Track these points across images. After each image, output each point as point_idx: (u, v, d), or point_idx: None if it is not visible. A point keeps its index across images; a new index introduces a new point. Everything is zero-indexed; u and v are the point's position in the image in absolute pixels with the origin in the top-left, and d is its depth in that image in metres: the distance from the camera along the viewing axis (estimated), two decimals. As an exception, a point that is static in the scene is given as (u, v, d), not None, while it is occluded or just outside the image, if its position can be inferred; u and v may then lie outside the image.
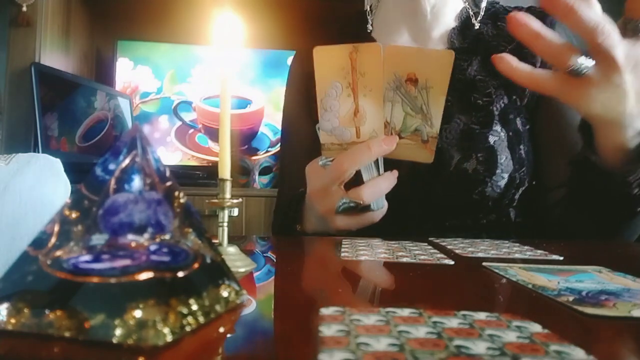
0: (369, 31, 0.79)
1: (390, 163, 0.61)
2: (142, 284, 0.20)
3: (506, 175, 0.69)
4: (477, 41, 0.74)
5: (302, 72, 0.83)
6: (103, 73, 2.10)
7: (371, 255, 0.42)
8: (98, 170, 0.23)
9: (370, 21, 0.79)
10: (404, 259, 0.40)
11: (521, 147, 0.72)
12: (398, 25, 0.77)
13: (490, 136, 0.69)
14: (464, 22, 0.75)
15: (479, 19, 0.75)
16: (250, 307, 0.26)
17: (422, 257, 0.41)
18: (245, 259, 0.37)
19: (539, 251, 0.46)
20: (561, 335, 0.19)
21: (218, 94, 0.38)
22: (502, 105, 0.71)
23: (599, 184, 0.57)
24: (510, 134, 0.70)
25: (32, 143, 1.64)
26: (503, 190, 0.68)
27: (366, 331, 0.19)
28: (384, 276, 0.36)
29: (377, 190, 0.57)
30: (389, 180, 0.58)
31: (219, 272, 0.25)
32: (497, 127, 0.70)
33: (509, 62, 0.51)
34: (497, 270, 0.35)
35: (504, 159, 0.69)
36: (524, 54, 0.70)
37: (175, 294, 0.21)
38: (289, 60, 2.03)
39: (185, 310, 0.20)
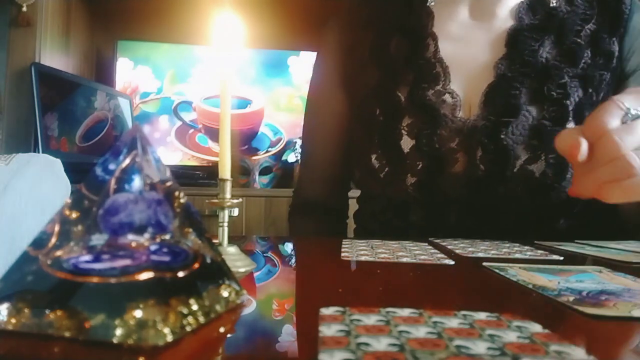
0: (429, 3, 0.67)
1: (440, 160, 0.56)
2: (142, 284, 0.20)
3: None
4: (549, 17, 0.63)
5: (339, 44, 0.74)
6: (103, 73, 2.10)
7: (371, 255, 0.42)
8: (98, 170, 0.23)
9: None
10: (404, 259, 0.40)
11: None
12: None
13: None
14: None
15: None
16: (250, 307, 0.26)
17: (422, 257, 0.41)
18: (245, 259, 0.37)
19: (539, 251, 0.46)
20: (561, 335, 0.19)
21: (218, 94, 0.38)
22: (577, 98, 0.60)
23: None
24: None
25: (32, 143, 1.64)
26: (568, 198, 0.55)
27: (366, 331, 0.19)
28: (384, 276, 0.36)
29: None
30: None
31: (219, 272, 0.25)
32: (571, 125, 0.58)
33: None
34: (497, 270, 0.35)
35: None
36: (602, 38, 0.62)
37: (175, 294, 0.21)
38: (290, 60, 2.05)
39: (185, 310, 0.20)
